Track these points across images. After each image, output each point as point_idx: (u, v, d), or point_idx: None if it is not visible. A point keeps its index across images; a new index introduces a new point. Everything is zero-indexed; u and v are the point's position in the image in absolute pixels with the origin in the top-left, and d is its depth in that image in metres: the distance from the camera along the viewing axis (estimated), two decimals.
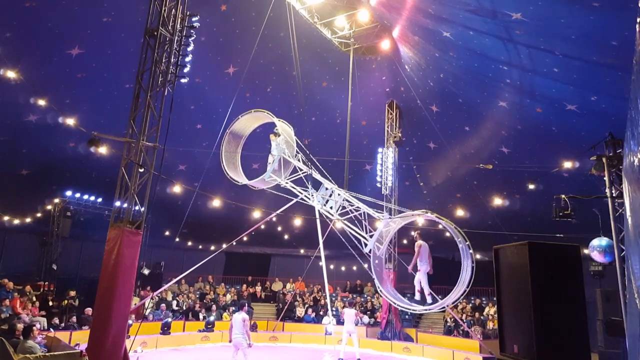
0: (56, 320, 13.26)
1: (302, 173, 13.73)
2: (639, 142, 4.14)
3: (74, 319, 13.90)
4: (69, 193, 17.22)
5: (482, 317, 16.73)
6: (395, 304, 13.26)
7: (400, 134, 18.23)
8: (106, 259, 8.72)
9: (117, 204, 9.36)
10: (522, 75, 13.03)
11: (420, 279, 12.27)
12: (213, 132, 14.72)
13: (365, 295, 21.04)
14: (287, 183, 13.88)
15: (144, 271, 17.95)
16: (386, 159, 18.34)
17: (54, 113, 14.00)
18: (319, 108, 18.67)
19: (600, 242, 10.52)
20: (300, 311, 18.90)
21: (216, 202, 17.28)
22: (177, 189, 16.73)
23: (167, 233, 20.96)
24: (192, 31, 10.52)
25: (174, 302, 17.67)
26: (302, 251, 24.12)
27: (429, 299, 12.37)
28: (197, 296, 19.01)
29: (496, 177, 17.60)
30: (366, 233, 12.97)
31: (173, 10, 10.20)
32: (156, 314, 16.01)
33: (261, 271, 24.30)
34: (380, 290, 13.22)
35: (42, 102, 12.99)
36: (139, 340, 12.48)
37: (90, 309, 13.28)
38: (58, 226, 16.96)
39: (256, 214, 17.67)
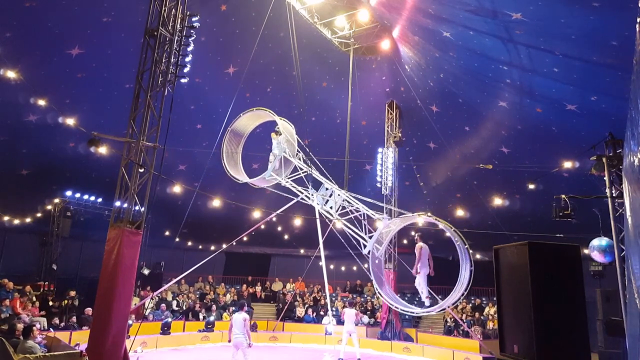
0: (56, 320, 13.25)
1: (303, 173, 13.74)
2: (639, 142, 4.14)
3: (74, 319, 13.90)
4: (69, 193, 17.22)
5: (482, 317, 16.73)
6: (393, 305, 13.27)
7: (400, 134, 18.24)
8: (106, 259, 8.72)
9: (117, 204, 9.36)
10: (522, 75, 13.03)
11: (420, 282, 12.30)
12: (213, 132, 14.72)
13: (365, 296, 21.04)
14: (287, 182, 13.88)
15: (144, 271, 17.96)
16: (386, 159, 18.34)
17: (54, 113, 14.00)
18: (319, 108, 18.67)
19: (600, 242, 10.51)
20: (300, 311, 18.90)
21: (216, 202, 17.28)
22: (177, 189, 16.73)
23: (167, 233, 20.96)
24: (192, 31, 10.51)
25: (174, 302, 17.67)
26: (302, 251, 24.12)
27: (427, 302, 12.41)
28: (197, 296, 19.01)
29: (496, 177, 17.59)
30: (366, 234, 12.98)
31: (173, 10, 10.20)
32: (156, 314, 16.01)
33: (261, 271, 24.30)
34: (379, 292, 13.23)
35: (42, 102, 12.98)
36: (139, 340, 12.47)
37: (90, 309, 13.28)
38: (58, 226, 16.96)
39: (256, 214, 17.67)
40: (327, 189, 13.83)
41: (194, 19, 10.55)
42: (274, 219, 17.97)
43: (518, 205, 18.38)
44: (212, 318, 16.67)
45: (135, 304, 13.32)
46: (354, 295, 20.91)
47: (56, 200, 17.10)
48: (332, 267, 23.43)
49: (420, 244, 12.50)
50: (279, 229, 23.22)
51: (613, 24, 9.36)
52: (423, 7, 13.11)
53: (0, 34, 11.98)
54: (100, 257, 8.86)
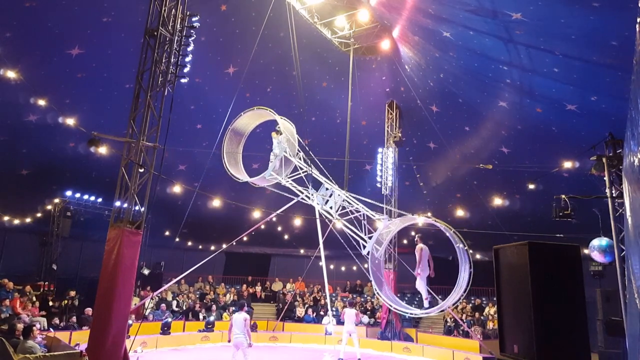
0: (56, 320, 13.25)
1: (303, 172, 13.74)
2: (639, 142, 4.14)
3: (74, 319, 13.90)
4: (69, 193, 17.22)
5: (482, 317, 16.73)
6: (392, 306, 13.27)
7: (400, 134, 18.24)
8: (106, 259, 8.72)
9: (117, 204, 9.36)
10: (522, 75, 13.03)
11: (421, 284, 12.32)
12: (213, 132, 14.72)
13: (365, 295, 21.04)
14: (287, 181, 13.88)
15: (144, 271, 17.96)
16: (386, 159, 18.34)
17: (54, 113, 14.00)
18: (319, 108, 18.67)
19: (600, 242, 10.52)
20: (300, 311, 18.90)
21: (216, 202, 17.28)
22: (177, 189, 16.73)
23: (167, 233, 20.96)
24: (192, 31, 10.52)
25: (174, 302, 17.66)
26: (302, 251, 24.12)
27: (425, 303, 12.42)
28: (197, 296, 19.01)
29: (496, 177, 17.60)
30: (365, 234, 12.98)
31: (173, 10, 10.20)
32: (156, 314, 16.01)
33: (261, 271, 24.30)
34: (378, 293, 13.24)
35: (42, 102, 12.98)
36: (139, 340, 12.47)
37: (90, 309, 13.28)
38: (58, 226, 16.96)
39: (256, 214, 17.67)
40: (327, 189, 13.83)
41: (194, 19, 10.55)
42: (274, 219, 17.97)
43: (518, 205, 18.38)
44: (212, 318, 16.67)
45: (135, 304, 13.32)
46: (354, 295, 20.91)
47: (56, 200, 17.10)
48: (332, 267, 23.42)
49: (420, 245, 12.51)
50: (279, 229, 23.22)
51: (613, 24, 9.36)
52: (423, 7, 13.11)
53: (0, 34, 11.97)
54: (100, 257, 8.86)
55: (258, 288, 21.14)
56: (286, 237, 23.80)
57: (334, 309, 17.26)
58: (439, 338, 15.93)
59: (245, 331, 10.18)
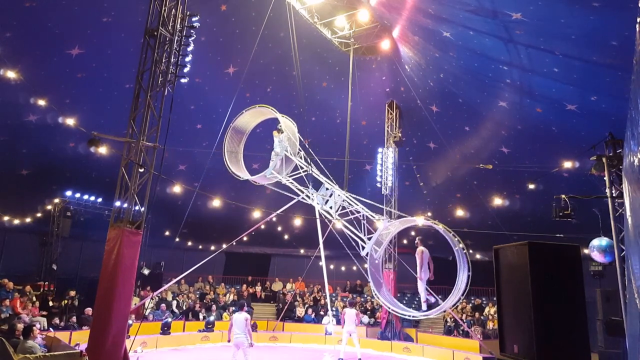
0: (56, 320, 13.25)
1: (303, 172, 13.73)
2: (639, 142, 4.14)
3: (74, 319, 13.88)
4: (69, 193, 17.22)
5: (482, 317, 16.74)
6: (390, 309, 13.27)
7: (400, 134, 18.24)
8: (106, 259, 8.72)
9: (117, 204, 9.36)
10: (522, 75, 13.03)
11: (420, 286, 12.33)
12: (213, 132, 14.71)
13: (365, 295, 21.04)
14: (287, 180, 13.87)
15: (144, 271, 17.96)
16: (386, 159, 18.34)
17: (54, 113, 14.00)
18: (319, 108, 18.67)
19: (600, 242, 10.52)
20: (300, 311, 18.90)
21: (216, 202, 17.27)
22: (177, 189, 16.73)
23: (167, 233, 20.96)
24: (192, 31, 10.52)
25: (174, 302, 17.66)
26: (302, 251, 24.12)
27: (423, 306, 12.43)
28: (197, 296, 19.01)
29: (496, 177, 17.60)
30: (365, 235, 12.97)
31: (173, 10, 10.20)
32: (156, 314, 16.01)
33: (261, 271, 24.29)
34: (376, 295, 13.24)
35: (42, 102, 12.98)
36: (139, 340, 12.47)
37: (90, 309, 13.27)
38: (58, 226, 16.95)
39: (256, 214, 17.66)
40: (327, 189, 13.83)
41: (194, 19, 10.55)
42: (274, 219, 17.96)
43: (518, 205, 18.38)
44: (212, 318, 16.66)
45: (135, 304, 13.31)
46: (354, 295, 20.91)
47: (56, 200, 17.10)
48: (332, 267, 23.42)
49: (421, 248, 12.51)
50: (279, 229, 23.22)
51: (613, 24, 9.36)
52: (423, 7, 13.11)
53: (0, 34, 11.98)
54: (100, 257, 8.86)
55: (258, 288, 21.13)
56: (286, 237, 23.80)
57: (334, 309, 17.26)
58: (439, 338, 15.93)
59: (246, 331, 10.19)
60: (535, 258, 4.43)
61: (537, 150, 15.72)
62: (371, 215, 13.30)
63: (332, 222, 13.92)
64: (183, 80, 10.54)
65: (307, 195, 13.85)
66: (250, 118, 14.64)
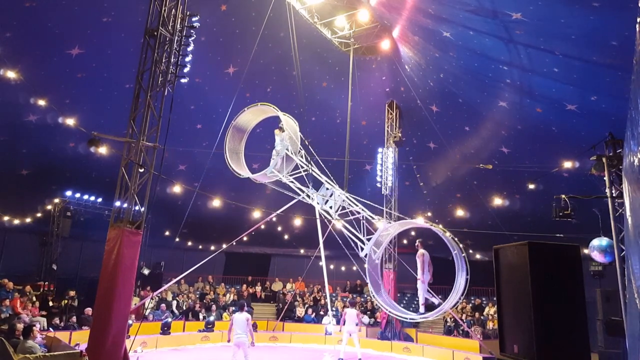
0: (56, 320, 13.25)
1: (304, 171, 13.74)
2: (639, 142, 4.14)
3: (74, 319, 13.88)
4: (69, 193, 17.21)
5: (482, 317, 16.74)
6: (388, 310, 13.27)
7: (400, 134, 18.24)
8: (106, 259, 8.72)
9: (117, 204, 9.36)
10: (522, 75, 13.03)
11: (420, 289, 12.34)
12: (213, 132, 14.72)
13: (365, 295, 21.04)
14: (288, 179, 13.87)
15: (144, 271, 17.95)
16: (386, 159, 18.34)
17: (54, 113, 14.00)
18: (319, 108, 18.67)
19: (600, 242, 10.52)
20: (300, 311, 18.90)
21: (216, 202, 17.28)
22: (177, 189, 16.74)
23: (167, 233, 20.96)
24: (192, 31, 10.52)
25: (174, 302, 17.66)
26: (302, 251, 24.12)
27: (422, 309, 12.44)
28: (197, 296, 19.01)
29: (496, 177, 17.60)
30: (364, 236, 12.97)
31: (173, 10, 10.20)
32: (156, 314, 16.01)
33: (261, 271, 24.29)
34: (375, 297, 13.24)
35: (42, 102, 12.98)
36: (139, 340, 12.47)
37: (90, 309, 13.28)
38: (58, 226, 16.95)
39: (256, 214, 17.67)
40: (327, 188, 13.83)
41: (194, 19, 10.55)
42: (274, 219, 17.96)
43: (518, 205, 18.38)
44: (212, 318, 16.66)
45: (135, 304, 13.31)
46: (354, 295, 20.91)
47: (56, 200, 17.10)
48: (332, 267, 23.41)
49: (421, 250, 12.52)
50: (279, 229, 23.22)
51: (613, 24, 9.36)
52: (423, 7, 13.11)
53: (0, 34, 11.98)
54: (100, 257, 8.86)
55: (258, 288, 21.13)
56: (286, 237, 23.80)
57: (334, 309, 17.26)
58: (439, 338, 15.93)
59: (248, 331, 10.23)
60: (535, 258, 4.43)
61: (537, 150, 15.71)
62: (370, 216, 13.30)
63: (332, 222, 13.92)
64: (183, 80, 10.54)
65: (307, 195, 13.85)
66: (251, 116, 14.64)
